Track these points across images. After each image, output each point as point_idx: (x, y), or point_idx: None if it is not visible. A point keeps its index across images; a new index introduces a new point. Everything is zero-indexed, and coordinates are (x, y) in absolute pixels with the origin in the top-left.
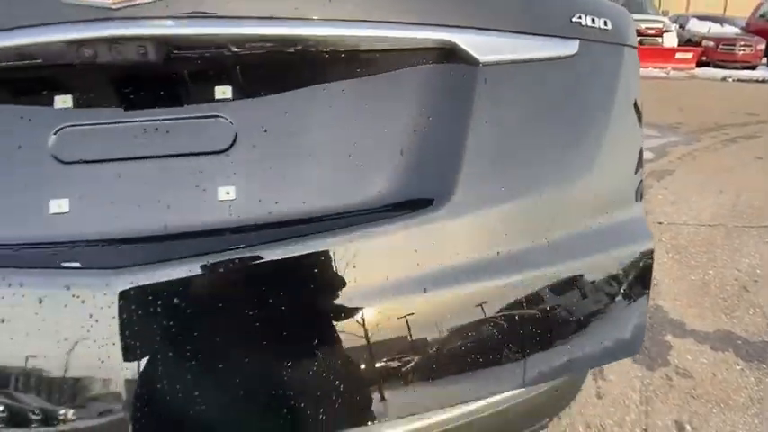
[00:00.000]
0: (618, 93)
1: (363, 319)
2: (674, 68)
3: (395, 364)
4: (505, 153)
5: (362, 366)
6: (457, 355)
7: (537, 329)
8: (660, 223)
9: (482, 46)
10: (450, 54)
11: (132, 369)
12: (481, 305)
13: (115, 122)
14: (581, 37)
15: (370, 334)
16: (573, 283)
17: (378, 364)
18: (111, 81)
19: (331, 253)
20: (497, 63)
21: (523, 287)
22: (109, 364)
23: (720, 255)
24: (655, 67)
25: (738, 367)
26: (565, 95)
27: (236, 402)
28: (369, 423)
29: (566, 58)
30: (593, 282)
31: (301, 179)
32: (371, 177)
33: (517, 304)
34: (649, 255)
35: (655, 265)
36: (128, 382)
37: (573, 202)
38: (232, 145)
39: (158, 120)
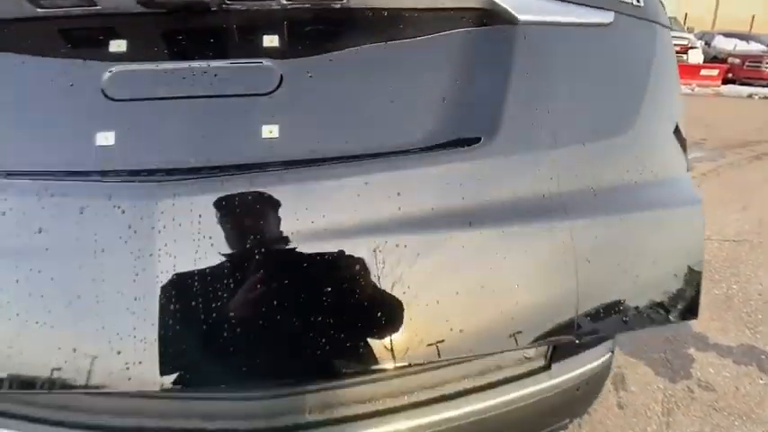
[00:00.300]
0: (654, 60)
1: (406, 247)
2: (699, 85)
3: (437, 296)
4: (547, 102)
5: (402, 295)
6: (502, 295)
7: (587, 279)
8: None
9: (520, 6)
10: (490, 11)
11: (167, 281)
12: (527, 246)
13: (165, 66)
14: (615, 9)
15: (413, 261)
16: (621, 235)
17: (419, 296)
18: (164, 29)
19: (373, 180)
20: (535, 23)
21: (571, 233)
22: (144, 276)
23: (744, 270)
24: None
25: (762, 382)
26: (603, 58)
27: (265, 318)
28: (407, 361)
29: (602, 25)
30: (642, 237)
31: (345, 121)
32: (415, 121)
33: (565, 250)
34: (698, 215)
35: None
36: (162, 293)
37: (616, 157)
38: (277, 88)
39: (207, 64)
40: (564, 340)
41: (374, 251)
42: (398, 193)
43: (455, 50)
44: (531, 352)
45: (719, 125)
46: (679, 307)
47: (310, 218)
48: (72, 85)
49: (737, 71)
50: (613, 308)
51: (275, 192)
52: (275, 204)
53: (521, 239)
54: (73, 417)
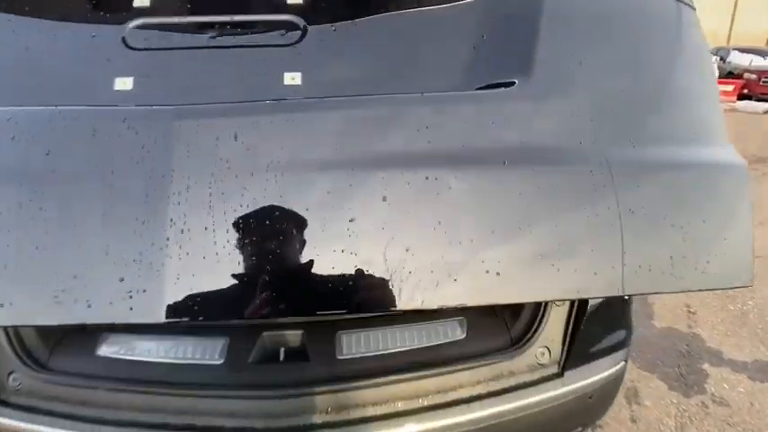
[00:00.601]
0: (682, 30)
1: (437, 179)
2: None
3: (470, 234)
4: (578, 55)
5: (432, 230)
6: (541, 239)
7: (632, 230)
8: None
9: None
10: None
11: (178, 203)
12: (566, 190)
13: (187, 19)
14: None
15: (444, 196)
16: (665, 188)
17: (451, 231)
18: None
19: (399, 112)
20: None
21: (612, 180)
22: (154, 198)
23: (759, 286)
24: None
25: None
26: (631, 23)
27: (282, 249)
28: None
29: None
30: (687, 193)
31: (370, 69)
32: (446, 69)
33: (606, 197)
34: (744, 177)
35: (693, 295)
36: (173, 215)
37: (652, 113)
38: (301, 39)
39: (230, 18)
40: (611, 294)
41: (401, 183)
42: (427, 127)
43: (484, 7)
44: (545, 359)
45: (735, 141)
46: (731, 270)
47: (333, 145)
48: (94, 36)
49: (753, 87)
50: (663, 264)
51: (297, 119)
52: (297, 131)
53: (559, 183)
54: (98, 413)
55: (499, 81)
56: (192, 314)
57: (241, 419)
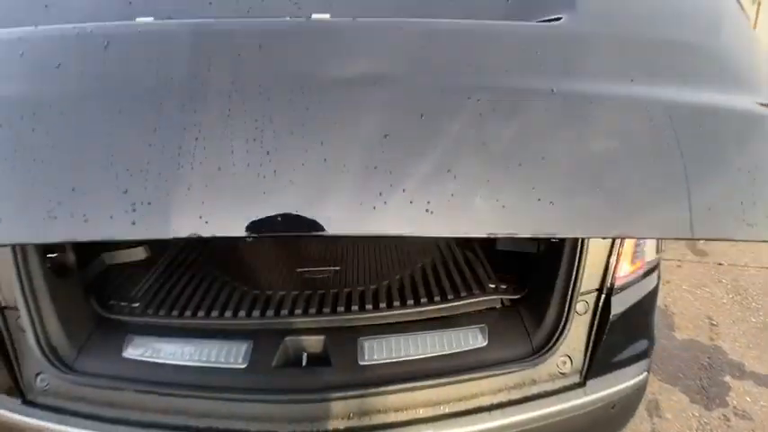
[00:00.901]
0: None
1: (479, 101)
2: None
3: (518, 158)
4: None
5: (476, 152)
6: (597, 170)
7: (695, 169)
8: (720, 264)
9: None
10: None
11: (193, 110)
12: (622, 121)
13: None
14: None
15: (489, 117)
16: (726, 132)
17: (497, 153)
18: None
19: (437, 33)
20: None
21: (670, 120)
22: (167, 106)
23: None
24: None
25: None
26: None
27: (302, 163)
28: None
29: None
30: (751, 138)
31: (403, 7)
32: (488, 6)
33: (663, 134)
34: None
35: (714, 306)
36: (186, 123)
37: (705, 59)
38: None
39: None
40: (680, 237)
41: (440, 100)
42: (468, 50)
43: None
44: (567, 368)
45: None
46: None
47: (367, 60)
48: None
49: None
50: (733, 209)
51: (328, 32)
52: (329, 44)
53: (611, 116)
54: (122, 414)
55: (544, 18)
56: (202, 229)
57: (264, 423)
